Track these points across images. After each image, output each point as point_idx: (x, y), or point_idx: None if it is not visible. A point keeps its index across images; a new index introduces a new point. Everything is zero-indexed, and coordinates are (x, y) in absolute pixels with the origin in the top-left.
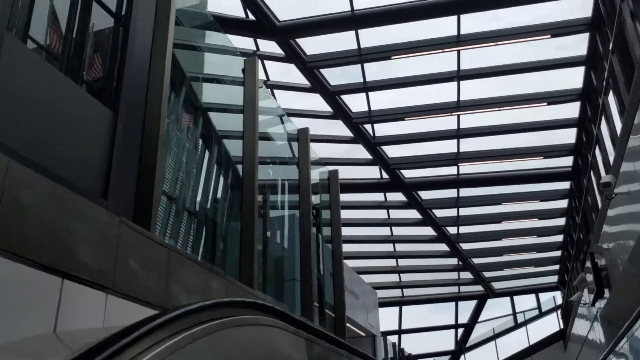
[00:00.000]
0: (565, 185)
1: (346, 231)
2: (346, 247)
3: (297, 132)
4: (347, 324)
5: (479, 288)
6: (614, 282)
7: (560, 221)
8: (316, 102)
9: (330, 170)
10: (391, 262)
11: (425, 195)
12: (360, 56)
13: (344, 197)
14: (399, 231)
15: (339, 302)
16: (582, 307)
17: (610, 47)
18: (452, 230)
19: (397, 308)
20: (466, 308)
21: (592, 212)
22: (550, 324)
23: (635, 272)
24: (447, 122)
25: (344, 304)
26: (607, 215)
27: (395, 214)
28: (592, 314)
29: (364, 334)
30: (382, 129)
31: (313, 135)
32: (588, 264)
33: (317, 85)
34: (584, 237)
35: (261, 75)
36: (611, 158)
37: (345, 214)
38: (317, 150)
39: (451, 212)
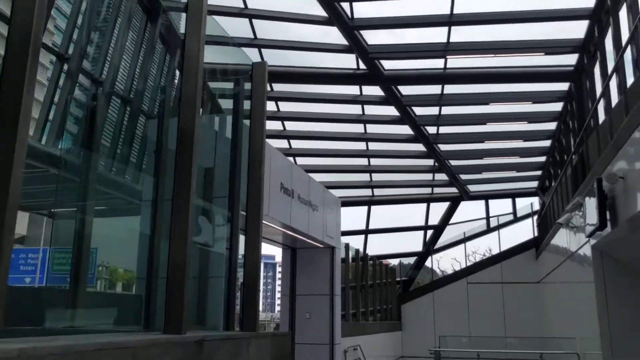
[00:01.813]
0: (563, 86)
1: (316, 127)
2: (313, 144)
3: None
4: (303, 238)
5: (453, 190)
6: (622, 217)
7: (551, 125)
8: None
9: (255, 63)
10: (363, 161)
11: (405, 90)
12: None
13: (314, 89)
14: (373, 129)
15: (253, 200)
16: (570, 229)
17: None
18: (431, 130)
19: (366, 207)
20: (438, 210)
21: (592, 118)
22: (524, 231)
23: None
24: (438, 6)
25: (258, 201)
26: (629, 138)
27: (371, 110)
28: (582, 239)
29: (321, 246)
30: (363, 10)
31: (277, 13)
32: (594, 185)
33: None
34: (579, 143)
35: None
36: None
37: (315, 108)
38: (283, 33)
39: (432, 111)
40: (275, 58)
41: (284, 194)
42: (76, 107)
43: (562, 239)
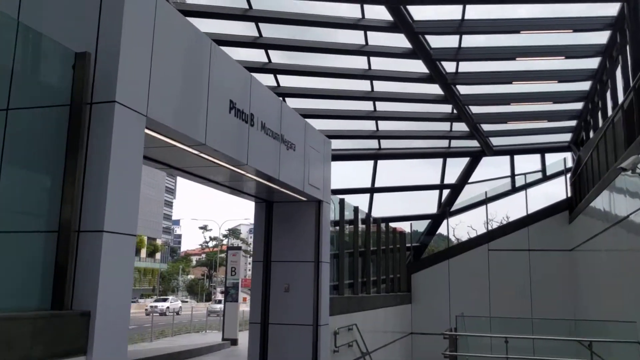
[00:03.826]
0: (611, 10)
1: (308, 59)
2: (306, 82)
3: None
4: (271, 184)
5: (473, 143)
6: None
7: (593, 62)
8: None
9: None
10: (367, 105)
11: (417, 13)
12: None
13: (304, 8)
14: (379, 64)
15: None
16: (631, 176)
17: None
18: (449, 67)
19: (372, 162)
20: (456, 167)
21: None
22: (555, 192)
23: None
24: None
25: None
26: None
27: (376, 38)
28: None
29: (304, 199)
30: None
31: None
32: None
33: None
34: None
35: None
36: None
37: (307, 35)
38: None
39: (451, 41)
40: None
41: (235, 117)
42: None
43: (613, 195)
